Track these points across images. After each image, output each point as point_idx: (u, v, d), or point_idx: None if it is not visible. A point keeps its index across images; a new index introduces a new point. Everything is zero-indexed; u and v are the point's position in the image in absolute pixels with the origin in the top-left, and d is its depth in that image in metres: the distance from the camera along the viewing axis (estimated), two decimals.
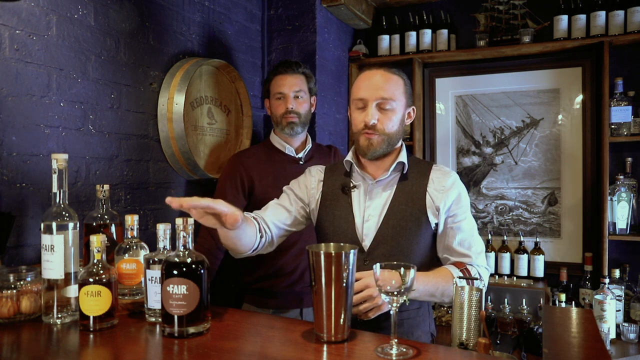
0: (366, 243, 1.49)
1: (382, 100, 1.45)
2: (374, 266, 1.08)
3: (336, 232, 1.53)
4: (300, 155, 2.14)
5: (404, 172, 1.52)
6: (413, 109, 1.56)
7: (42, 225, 1.28)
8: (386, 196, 1.51)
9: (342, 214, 1.53)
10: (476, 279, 1.39)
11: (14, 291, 1.28)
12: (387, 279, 1.05)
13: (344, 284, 1.11)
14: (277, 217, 1.58)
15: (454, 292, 1.18)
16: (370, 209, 1.51)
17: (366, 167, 1.55)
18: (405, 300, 1.08)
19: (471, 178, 3.10)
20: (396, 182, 1.52)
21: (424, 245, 1.50)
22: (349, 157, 1.56)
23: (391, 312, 1.07)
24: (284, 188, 1.66)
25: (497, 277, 2.81)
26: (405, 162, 1.52)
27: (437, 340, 1.70)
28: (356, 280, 1.27)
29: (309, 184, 1.62)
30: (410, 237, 1.47)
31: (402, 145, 1.58)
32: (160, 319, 1.21)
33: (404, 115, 1.51)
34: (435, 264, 1.56)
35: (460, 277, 1.42)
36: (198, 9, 2.34)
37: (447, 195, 1.48)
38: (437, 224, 1.50)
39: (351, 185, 1.56)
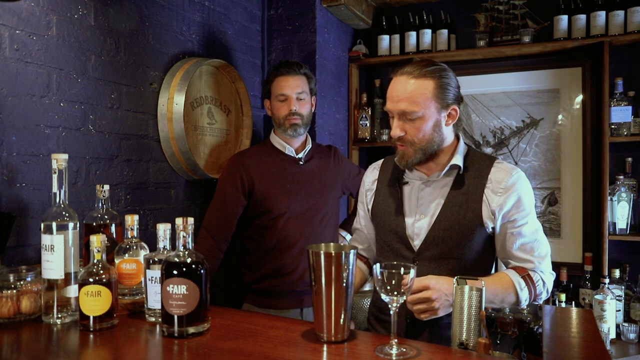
0: (416, 243, 1.43)
1: (403, 113, 1.36)
2: (374, 266, 1.08)
3: (386, 229, 1.48)
4: (300, 155, 2.14)
5: (460, 172, 1.43)
6: (454, 108, 1.41)
7: (42, 225, 1.28)
8: (440, 196, 1.43)
9: (391, 210, 1.48)
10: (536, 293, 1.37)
11: (14, 291, 1.28)
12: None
13: (344, 284, 1.11)
14: (361, 243, 1.68)
15: (454, 293, 1.18)
16: (422, 207, 1.44)
17: (419, 165, 1.46)
18: (399, 303, 1.07)
19: None
20: (451, 181, 1.43)
21: (479, 249, 1.42)
22: None
23: (391, 312, 1.07)
24: (358, 205, 1.69)
25: None
26: (461, 164, 1.42)
27: (437, 341, 1.69)
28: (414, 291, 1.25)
29: (366, 188, 1.63)
30: (463, 241, 1.39)
31: (457, 142, 1.46)
32: (160, 319, 1.21)
33: (438, 120, 1.38)
34: (491, 266, 1.49)
35: (521, 285, 1.37)
36: (198, 9, 2.34)
37: (505, 198, 1.37)
38: (493, 228, 1.41)
39: (403, 181, 1.49)
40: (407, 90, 1.34)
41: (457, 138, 1.49)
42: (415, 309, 1.28)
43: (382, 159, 1.64)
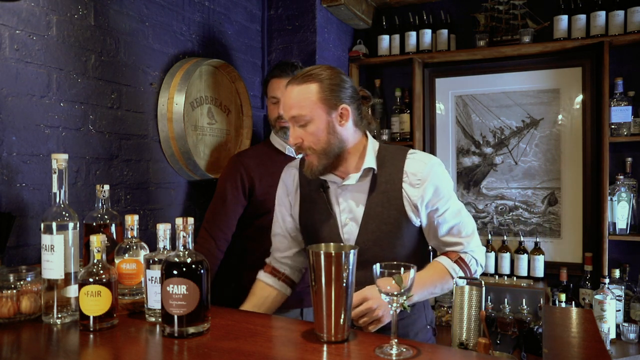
0: None
1: (293, 119, 1.36)
2: (374, 266, 1.08)
3: (319, 239, 1.44)
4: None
5: (375, 172, 1.42)
6: (344, 108, 1.37)
7: (42, 225, 1.28)
8: (362, 199, 1.42)
9: (322, 218, 1.46)
10: (469, 276, 1.38)
11: (14, 291, 1.28)
12: (383, 285, 1.05)
13: (344, 284, 1.11)
14: (283, 250, 1.60)
15: (454, 293, 1.18)
16: (345, 212, 1.44)
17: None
18: (405, 307, 1.07)
19: (471, 178, 3.10)
20: (369, 183, 1.42)
21: (412, 243, 1.44)
22: None
23: (391, 312, 1.07)
24: (276, 207, 1.61)
25: (497, 277, 2.81)
26: (373, 165, 1.41)
27: (437, 340, 1.69)
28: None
29: (287, 191, 1.56)
30: (394, 240, 1.40)
31: (366, 143, 1.44)
32: (160, 319, 1.21)
33: (329, 122, 1.35)
34: (426, 256, 1.52)
35: (456, 270, 1.40)
36: (198, 9, 2.34)
37: (424, 190, 1.38)
38: (420, 221, 1.43)
39: (327, 185, 1.47)
40: (292, 98, 1.36)
41: (366, 137, 1.47)
42: (361, 322, 1.29)
43: (299, 159, 1.56)
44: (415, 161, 1.42)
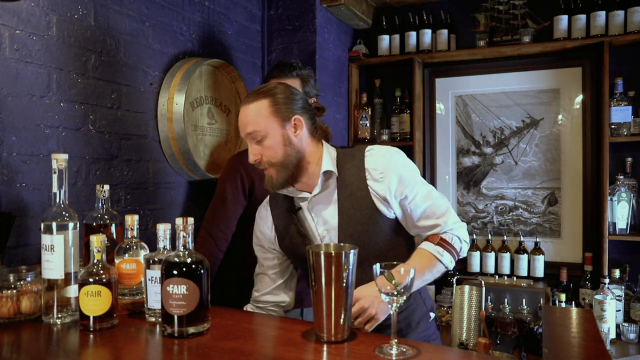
0: None
1: (250, 136, 1.38)
2: (374, 266, 1.08)
3: (302, 259, 1.40)
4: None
5: (337, 176, 1.43)
6: (297, 119, 1.39)
7: (42, 225, 1.28)
8: (332, 206, 1.43)
9: (299, 241, 1.46)
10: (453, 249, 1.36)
11: (14, 291, 1.28)
12: (383, 285, 1.05)
13: (344, 284, 1.11)
14: (266, 288, 1.57)
15: (454, 293, 1.18)
16: (320, 225, 1.45)
17: (298, 184, 1.46)
18: (399, 303, 1.08)
19: (471, 178, 3.10)
20: (335, 189, 1.43)
21: (392, 237, 1.44)
22: None
23: (391, 312, 1.07)
24: (255, 249, 1.60)
25: (497, 277, 2.81)
26: (332, 168, 1.41)
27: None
28: None
29: (264, 233, 1.55)
30: (374, 237, 1.40)
31: (321, 150, 1.45)
32: (160, 319, 1.21)
33: (285, 134, 1.37)
34: (411, 244, 1.51)
35: (440, 252, 1.38)
36: (198, 9, 2.34)
37: (388, 182, 1.39)
38: (394, 212, 1.42)
39: (295, 207, 1.48)
40: (247, 115, 1.39)
41: (322, 145, 1.47)
42: (356, 324, 1.28)
43: (267, 198, 1.59)
44: (374, 156, 1.43)
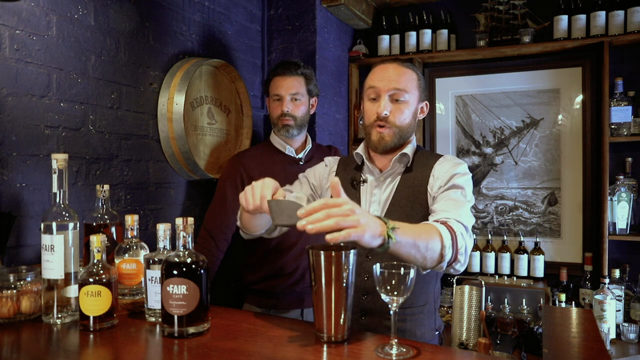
0: None
1: (395, 92, 1.44)
2: (374, 266, 1.08)
3: None
4: (300, 155, 2.14)
5: (408, 164, 1.49)
6: (426, 104, 1.54)
7: (42, 225, 1.28)
8: (389, 190, 1.49)
9: None
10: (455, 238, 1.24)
11: (14, 291, 1.28)
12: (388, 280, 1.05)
13: (344, 284, 1.11)
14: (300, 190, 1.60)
15: (454, 293, 1.18)
16: (374, 204, 1.49)
17: (375, 160, 1.54)
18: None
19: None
20: (400, 175, 1.49)
21: None
22: (360, 150, 1.55)
23: (391, 312, 1.07)
24: (300, 175, 1.67)
25: (497, 277, 2.81)
26: (410, 154, 1.48)
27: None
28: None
29: (323, 173, 1.62)
30: None
31: (412, 139, 1.54)
32: (160, 319, 1.21)
33: (416, 109, 1.50)
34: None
35: (442, 231, 1.22)
36: (198, 9, 2.34)
37: (442, 178, 1.41)
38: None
39: (361, 179, 1.54)
40: (399, 74, 1.46)
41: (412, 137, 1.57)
42: (332, 223, 0.99)
43: (339, 158, 1.66)
44: (446, 161, 1.48)
